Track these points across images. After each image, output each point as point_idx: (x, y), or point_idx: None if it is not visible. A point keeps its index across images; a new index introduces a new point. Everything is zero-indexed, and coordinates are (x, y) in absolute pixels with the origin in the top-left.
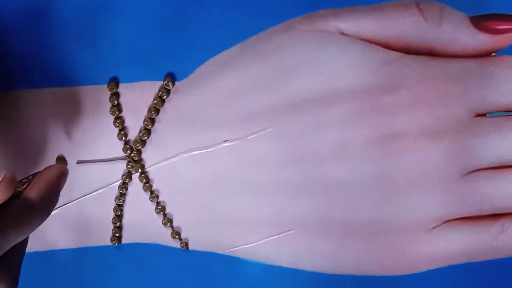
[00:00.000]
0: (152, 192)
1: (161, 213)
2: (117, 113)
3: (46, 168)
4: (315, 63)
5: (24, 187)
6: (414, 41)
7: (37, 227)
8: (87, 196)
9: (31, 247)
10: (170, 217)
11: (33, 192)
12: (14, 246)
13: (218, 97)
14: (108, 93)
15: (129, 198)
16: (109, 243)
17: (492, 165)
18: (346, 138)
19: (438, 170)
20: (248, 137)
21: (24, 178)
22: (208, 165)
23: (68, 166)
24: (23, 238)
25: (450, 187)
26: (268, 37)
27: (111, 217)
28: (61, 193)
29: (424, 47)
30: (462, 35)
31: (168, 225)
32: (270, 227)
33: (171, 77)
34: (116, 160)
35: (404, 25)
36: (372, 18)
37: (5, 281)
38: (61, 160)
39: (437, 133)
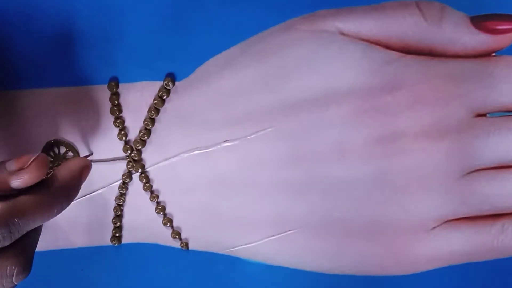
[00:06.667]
0: (152, 192)
1: (161, 213)
2: (117, 113)
3: (70, 159)
4: (315, 63)
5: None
6: (414, 41)
7: (55, 215)
8: (87, 196)
9: None
10: (170, 217)
11: (56, 180)
12: (29, 231)
13: (218, 97)
14: (108, 93)
15: (129, 198)
16: (109, 243)
17: (493, 165)
18: (346, 138)
19: (438, 170)
20: (248, 137)
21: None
22: (208, 165)
23: None
24: (40, 224)
25: (450, 187)
26: (268, 37)
27: (111, 217)
28: None
29: (424, 47)
30: (462, 35)
31: (168, 225)
32: (270, 227)
33: (171, 77)
34: (116, 160)
35: (404, 25)
36: (372, 18)
37: (20, 264)
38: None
39: (437, 133)
